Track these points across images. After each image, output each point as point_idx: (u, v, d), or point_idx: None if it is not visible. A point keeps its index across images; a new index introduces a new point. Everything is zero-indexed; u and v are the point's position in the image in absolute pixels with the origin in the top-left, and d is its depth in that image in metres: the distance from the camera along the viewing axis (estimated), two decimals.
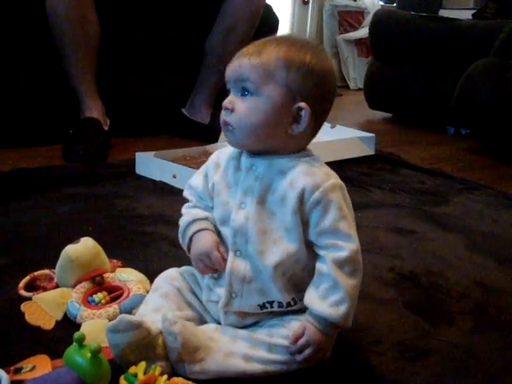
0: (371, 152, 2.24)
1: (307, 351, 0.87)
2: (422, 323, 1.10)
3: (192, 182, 1.01)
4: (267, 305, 0.91)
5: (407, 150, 2.56)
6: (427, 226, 1.63)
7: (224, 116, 0.90)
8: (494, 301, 1.22)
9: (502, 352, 1.03)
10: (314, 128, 0.92)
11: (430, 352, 1.01)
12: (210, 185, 0.96)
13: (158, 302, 0.95)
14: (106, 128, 2.24)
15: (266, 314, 0.92)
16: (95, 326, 0.95)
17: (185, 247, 0.97)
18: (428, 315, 1.13)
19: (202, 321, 0.96)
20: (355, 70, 4.69)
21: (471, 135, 2.95)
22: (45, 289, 1.09)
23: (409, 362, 0.97)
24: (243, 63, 0.88)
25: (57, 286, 1.10)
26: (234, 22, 2.39)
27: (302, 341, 0.87)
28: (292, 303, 0.91)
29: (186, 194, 1.02)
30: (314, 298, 0.87)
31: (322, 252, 0.88)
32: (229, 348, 0.88)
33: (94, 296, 1.04)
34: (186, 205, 1.01)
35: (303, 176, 0.88)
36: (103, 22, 2.21)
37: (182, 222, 0.98)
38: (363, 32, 4.53)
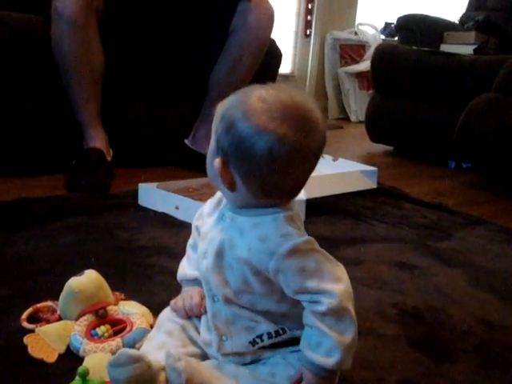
0: (373, 186, 2.24)
1: None
2: (425, 360, 1.10)
3: (195, 217, 1.04)
4: (257, 340, 0.91)
5: (409, 183, 2.57)
6: (430, 260, 1.63)
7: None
8: (498, 338, 1.21)
9: None
10: (252, 189, 0.86)
11: None
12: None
13: (162, 339, 0.95)
14: (109, 158, 2.25)
15: (262, 350, 0.92)
16: (98, 360, 0.95)
17: None
18: (431, 352, 1.13)
19: (205, 357, 0.95)
20: (356, 103, 4.72)
21: (472, 169, 2.96)
22: (48, 321, 1.08)
23: None
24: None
25: (60, 318, 1.09)
26: (239, 56, 2.42)
27: None
28: (281, 332, 0.91)
29: (193, 224, 1.04)
30: (305, 346, 0.86)
31: (302, 303, 0.87)
32: None
33: (97, 329, 1.03)
34: (188, 243, 1.05)
35: (258, 242, 0.86)
36: (108, 53, 2.24)
37: (179, 269, 1.05)
38: (364, 65, 4.58)
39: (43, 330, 1.04)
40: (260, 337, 0.91)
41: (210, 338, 0.93)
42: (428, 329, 1.23)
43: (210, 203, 0.99)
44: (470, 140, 2.59)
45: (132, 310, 1.10)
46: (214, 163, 0.85)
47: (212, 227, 0.93)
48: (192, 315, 0.98)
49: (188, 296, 0.99)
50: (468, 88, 2.81)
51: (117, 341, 1.01)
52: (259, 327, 0.90)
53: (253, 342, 0.91)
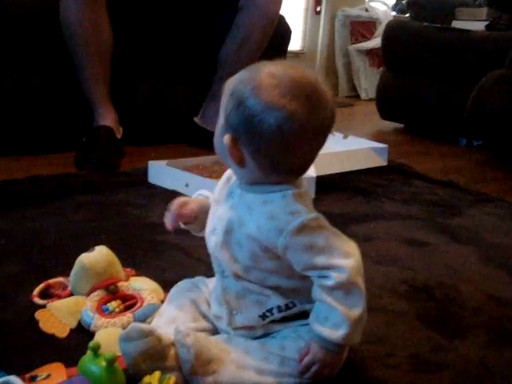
0: (384, 163, 2.23)
1: (314, 368, 0.87)
2: (435, 336, 1.10)
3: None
4: (267, 313, 0.92)
5: (419, 161, 2.56)
6: (440, 237, 1.63)
7: None
8: (508, 314, 1.21)
9: None
10: (261, 166, 0.86)
11: (444, 366, 1.00)
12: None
13: (173, 313, 0.95)
14: (118, 136, 2.25)
15: (272, 323, 0.92)
16: (109, 335, 0.95)
17: None
18: (441, 328, 1.13)
19: (215, 331, 0.96)
20: (366, 80, 4.70)
21: (483, 147, 2.94)
22: (59, 297, 1.09)
23: (423, 375, 0.97)
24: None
25: (71, 294, 1.10)
26: (248, 33, 2.40)
27: (307, 359, 0.87)
28: (291, 305, 0.92)
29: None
30: (313, 319, 0.87)
31: (311, 278, 0.87)
32: (241, 360, 0.88)
33: (108, 305, 1.04)
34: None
35: (266, 220, 0.85)
36: (116, 30, 2.23)
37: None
38: (375, 42, 4.54)
39: (54, 305, 1.05)
40: (270, 310, 0.91)
41: (220, 312, 0.94)
42: (438, 305, 1.23)
43: (222, 178, 0.99)
44: (482, 117, 2.57)
45: (143, 286, 1.10)
46: (223, 140, 0.85)
47: (221, 204, 0.93)
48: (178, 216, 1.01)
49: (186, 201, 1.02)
50: (480, 65, 2.79)
51: (128, 316, 1.01)
52: (269, 301, 0.91)
53: (263, 316, 0.91)
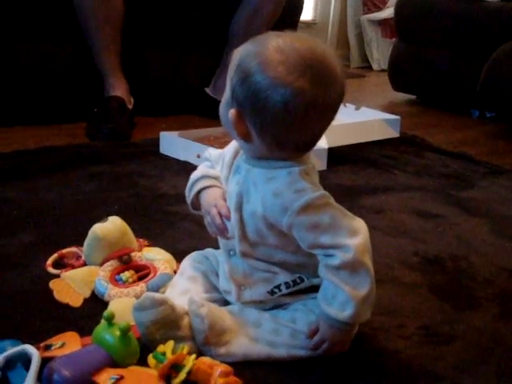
0: (396, 135, 2.22)
1: (324, 346, 0.88)
2: (446, 308, 1.10)
3: (212, 152, 1.03)
4: (275, 289, 0.92)
5: (431, 132, 2.54)
6: (452, 209, 1.62)
7: None
8: None
9: None
10: (266, 142, 0.85)
11: (455, 337, 1.00)
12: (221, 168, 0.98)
13: (186, 285, 0.96)
14: (130, 107, 2.24)
15: (282, 297, 0.93)
16: (123, 305, 0.96)
17: (189, 201, 0.99)
18: (453, 300, 1.13)
19: (226, 303, 0.97)
20: (379, 51, 4.65)
21: (496, 119, 2.92)
22: (72, 266, 1.10)
23: (433, 346, 0.97)
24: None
25: (84, 264, 1.11)
26: (260, 3, 2.38)
27: (317, 337, 0.88)
28: (298, 281, 0.92)
29: (203, 157, 1.05)
30: (321, 298, 0.87)
31: (319, 258, 0.87)
32: (253, 332, 0.89)
33: (122, 275, 1.05)
34: (202, 163, 1.03)
35: (272, 197, 0.85)
36: (128, 0, 2.21)
37: (192, 175, 1.00)
38: (387, 12, 4.48)
39: (68, 275, 1.06)
40: (278, 287, 0.92)
41: (229, 287, 0.94)
42: (449, 277, 1.23)
43: (229, 151, 0.97)
44: (495, 89, 2.55)
45: (156, 257, 1.11)
46: (228, 113, 0.84)
47: (229, 181, 0.93)
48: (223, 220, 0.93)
49: (206, 213, 0.95)
50: (494, 36, 2.75)
51: (141, 286, 1.02)
52: (276, 278, 0.91)
53: (271, 292, 0.92)
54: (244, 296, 0.93)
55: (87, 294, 1.03)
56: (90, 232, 1.10)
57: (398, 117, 2.25)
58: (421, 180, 1.88)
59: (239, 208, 0.89)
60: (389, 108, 3.00)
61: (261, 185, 0.87)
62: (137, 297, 0.98)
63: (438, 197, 1.72)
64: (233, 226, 0.90)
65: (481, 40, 2.87)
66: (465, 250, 1.36)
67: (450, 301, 1.13)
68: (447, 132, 2.65)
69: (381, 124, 2.19)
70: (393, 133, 2.22)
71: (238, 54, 0.84)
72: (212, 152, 1.03)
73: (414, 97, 3.37)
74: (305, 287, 0.93)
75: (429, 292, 1.16)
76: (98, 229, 1.09)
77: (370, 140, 2.13)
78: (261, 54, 0.81)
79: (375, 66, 4.63)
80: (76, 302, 1.00)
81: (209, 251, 1.04)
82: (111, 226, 1.10)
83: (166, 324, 0.85)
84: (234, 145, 0.96)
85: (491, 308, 1.11)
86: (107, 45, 2.19)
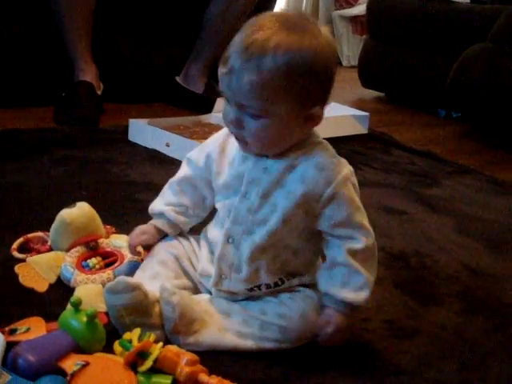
0: (364, 131, 2.24)
1: (338, 336, 0.90)
2: (410, 303, 1.12)
3: (192, 155, 1.02)
4: (255, 288, 0.93)
5: (398, 130, 2.56)
6: (417, 207, 1.65)
7: (233, 130, 0.87)
8: (482, 285, 1.23)
9: (489, 335, 1.05)
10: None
11: (419, 332, 1.02)
12: (213, 167, 0.96)
13: (156, 268, 0.95)
14: (99, 92, 2.22)
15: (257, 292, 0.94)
16: (89, 291, 0.96)
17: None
18: (417, 295, 1.15)
19: (196, 290, 0.97)
20: (349, 48, 4.67)
21: (461, 119, 2.96)
22: (38, 251, 1.09)
23: (398, 340, 0.99)
24: (242, 87, 0.81)
25: (50, 249, 1.10)
26: None
27: (332, 328, 0.89)
28: (279, 283, 0.93)
29: (184, 164, 1.04)
30: (332, 286, 0.89)
31: (335, 241, 0.90)
32: (222, 323, 0.89)
33: (89, 261, 1.04)
34: (173, 179, 1.04)
35: (314, 171, 0.88)
36: None
37: (157, 205, 1.03)
38: (359, 9, 4.50)
39: (34, 259, 1.04)
40: (258, 286, 0.92)
41: (209, 269, 0.94)
42: (414, 273, 1.25)
43: (215, 145, 0.97)
44: (463, 90, 2.58)
45: (123, 244, 1.10)
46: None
47: (249, 169, 0.91)
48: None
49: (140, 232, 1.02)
50: (463, 37, 2.78)
51: (107, 273, 1.02)
52: (259, 279, 0.92)
53: (250, 290, 0.92)
54: (222, 284, 0.93)
55: (53, 279, 1.02)
56: (58, 217, 1.08)
57: (366, 113, 2.27)
58: (388, 176, 1.89)
59: (267, 194, 0.89)
60: (357, 104, 3.02)
61: (300, 164, 0.88)
62: (103, 284, 0.97)
63: (404, 194, 1.74)
64: (252, 213, 0.90)
65: (450, 41, 2.90)
66: (429, 247, 1.38)
67: (414, 296, 1.14)
68: (414, 130, 2.68)
69: (350, 120, 2.20)
70: (361, 129, 2.23)
71: (275, 68, 0.81)
72: (194, 157, 1.01)
73: (382, 94, 3.39)
74: (283, 288, 0.94)
75: (393, 287, 1.17)
76: (65, 214, 1.08)
77: (338, 135, 2.14)
78: (304, 37, 0.83)
79: (345, 62, 4.65)
80: (41, 287, 0.99)
81: (184, 236, 1.03)
82: (79, 212, 1.09)
83: (138, 310, 0.84)
84: (217, 140, 0.97)
85: (454, 304, 1.13)
86: (78, 29, 2.16)
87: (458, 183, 1.91)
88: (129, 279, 0.85)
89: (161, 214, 1.02)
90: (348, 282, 0.88)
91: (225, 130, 0.97)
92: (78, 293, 0.95)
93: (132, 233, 1.02)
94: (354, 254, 0.88)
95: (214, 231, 0.96)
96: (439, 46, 2.98)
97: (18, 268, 1.03)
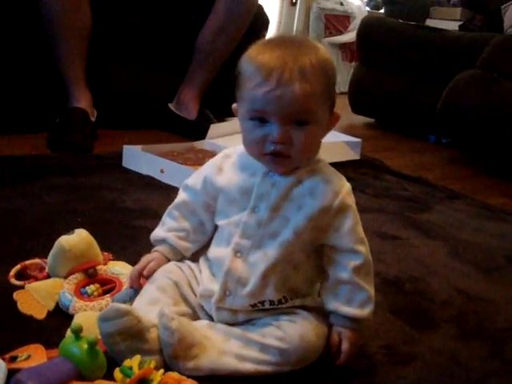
0: (356, 157, 2.26)
1: (352, 351, 0.93)
2: (406, 328, 1.13)
3: (189, 181, 1.04)
4: (259, 304, 0.93)
5: (389, 156, 2.59)
6: (410, 232, 1.66)
7: (279, 149, 0.88)
8: (476, 309, 1.24)
9: (484, 360, 1.05)
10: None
11: (416, 357, 1.03)
12: (212, 187, 0.99)
13: (155, 294, 0.95)
14: (93, 119, 2.23)
15: (258, 311, 0.94)
16: (88, 318, 0.95)
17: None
18: (413, 321, 1.16)
19: (195, 316, 0.96)
20: (339, 74, 4.71)
21: (452, 144, 2.99)
22: (36, 278, 1.09)
23: (395, 365, 0.99)
24: (297, 94, 0.86)
25: (48, 276, 1.10)
26: (225, 21, 2.39)
27: (346, 346, 0.92)
28: (283, 301, 0.93)
29: (181, 191, 1.05)
30: (338, 304, 0.93)
31: (338, 258, 0.93)
32: (222, 346, 0.89)
33: (87, 288, 1.04)
34: (172, 207, 1.04)
35: (322, 184, 0.92)
36: (95, 12, 2.20)
37: (157, 231, 1.04)
38: (348, 36, 4.57)
39: (33, 286, 1.04)
40: (262, 302, 0.93)
41: (212, 288, 0.94)
42: (409, 298, 1.26)
43: (213, 168, 1.00)
44: (452, 116, 2.61)
45: (121, 270, 1.10)
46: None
47: (257, 184, 0.93)
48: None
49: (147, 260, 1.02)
50: (452, 64, 2.83)
51: (106, 300, 1.02)
52: (264, 294, 0.92)
53: (253, 305, 0.93)
54: (225, 301, 0.93)
55: (51, 306, 1.02)
56: (56, 244, 1.09)
57: (359, 139, 2.29)
58: (380, 202, 1.91)
59: (277, 208, 0.92)
60: (348, 130, 3.04)
61: (308, 178, 0.92)
62: (102, 310, 0.97)
63: (396, 219, 1.76)
64: (262, 227, 0.92)
65: (439, 67, 2.95)
66: (423, 272, 1.39)
67: (410, 321, 1.15)
68: (405, 156, 2.71)
69: (342, 146, 2.22)
70: (353, 155, 2.25)
71: (318, 76, 0.89)
72: (191, 182, 1.03)
73: (372, 120, 3.43)
74: (286, 307, 0.94)
75: (389, 312, 1.18)
76: (64, 241, 1.08)
77: (331, 161, 2.14)
78: (314, 50, 0.91)
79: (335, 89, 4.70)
80: (40, 314, 0.99)
81: (183, 262, 1.03)
82: (77, 239, 1.09)
83: (131, 335, 0.84)
84: (228, 159, 1.00)
85: (450, 329, 1.14)
86: (73, 56, 2.18)
87: (449, 208, 1.92)
88: (120, 305, 0.86)
89: (163, 241, 1.03)
90: (352, 298, 0.92)
91: (221, 155, 1.01)
92: (77, 320, 0.95)
93: (139, 264, 1.02)
94: (357, 270, 0.92)
95: (217, 250, 0.97)
96: (429, 73, 3.03)
97: (16, 295, 1.03)
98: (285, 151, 0.89)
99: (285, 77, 0.85)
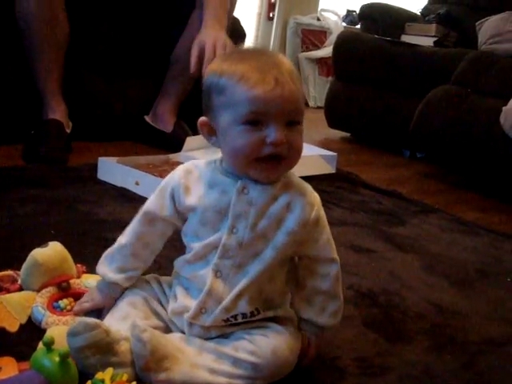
0: (332, 170, 2.27)
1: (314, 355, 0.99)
2: (380, 341, 1.13)
3: (150, 207, 0.99)
4: (231, 319, 0.93)
5: (364, 170, 2.60)
6: (384, 245, 1.67)
7: (279, 150, 0.87)
8: (449, 322, 1.26)
9: (457, 372, 1.07)
10: None
11: (389, 369, 1.04)
12: (182, 208, 0.95)
13: (125, 309, 0.95)
14: (68, 131, 2.21)
15: (231, 326, 0.93)
16: (60, 332, 0.93)
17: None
18: (386, 333, 1.17)
19: (167, 330, 0.96)
20: (315, 89, 4.75)
21: (426, 159, 3.02)
22: (8, 290, 1.07)
23: (369, 378, 1.00)
24: (295, 93, 0.87)
25: (20, 288, 1.08)
26: None
27: (311, 352, 0.98)
28: (255, 313, 0.93)
29: (138, 220, 1.04)
30: (311, 313, 0.97)
31: (321, 269, 0.96)
32: (194, 359, 0.89)
33: (60, 302, 1.03)
34: (124, 246, 1.02)
35: (298, 197, 0.92)
36: (72, 24, 2.20)
37: (106, 272, 1.00)
38: (325, 51, 4.60)
39: (6, 298, 1.03)
40: (235, 316, 0.92)
41: (186, 304, 0.93)
42: (382, 311, 1.27)
43: (178, 185, 0.95)
44: (427, 131, 2.65)
45: (95, 284, 1.09)
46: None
47: (232, 204, 0.91)
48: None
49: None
50: (427, 79, 2.86)
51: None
52: (237, 308, 0.92)
53: (226, 320, 0.92)
54: (200, 319, 0.92)
55: (24, 319, 1.01)
56: (29, 257, 1.08)
57: (334, 153, 2.31)
58: (355, 215, 1.92)
59: (255, 226, 0.91)
60: (324, 144, 3.06)
61: (283, 193, 0.92)
62: None
63: (371, 232, 1.77)
64: (243, 248, 0.91)
65: (414, 83, 2.98)
66: (397, 285, 1.40)
67: (384, 334, 1.16)
68: (380, 170, 2.73)
69: (318, 160, 2.24)
70: (329, 168, 2.27)
71: (296, 79, 0.90)
72: (152, 208, 0.99)
73: (348, 134, 3.45)
74: (256, 319, 0.94)
75: (363, 325, 1.19)
76: (37, 254, 1.07)
77: (306, 175, 2.15)
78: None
79: (311, 103, 4.73)
80: (13, 326, 0.98)
81: (151, 276, 1.03)
82: (51, 253, 1.08)
83: (101, 348, 0.84)
84: (192, 175, 0.95)
85: (422, 341, 1.15)
86: (50, 67, 2.16)
87: (423, 222, 1.94)
88: (88, 319, 0.85)
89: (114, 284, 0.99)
90: (325, 308, 0.96)
91: (181, 171, 0.96)
92: (50, 333, 0.94)
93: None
94: (336, 278, 0.96)
95: (192, 268, 0.94)
96: (404, 88, 3.06)
97: None
98: (284, 152, 0.88)
99: (280, 76, 0.86)
